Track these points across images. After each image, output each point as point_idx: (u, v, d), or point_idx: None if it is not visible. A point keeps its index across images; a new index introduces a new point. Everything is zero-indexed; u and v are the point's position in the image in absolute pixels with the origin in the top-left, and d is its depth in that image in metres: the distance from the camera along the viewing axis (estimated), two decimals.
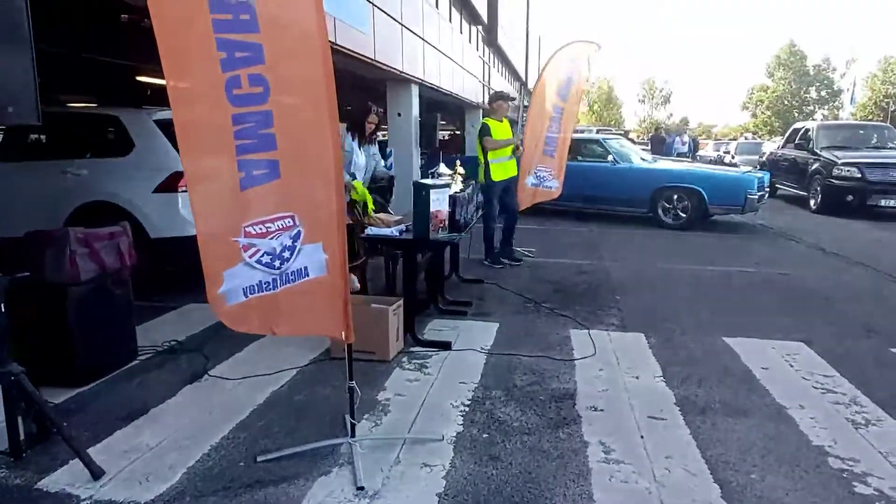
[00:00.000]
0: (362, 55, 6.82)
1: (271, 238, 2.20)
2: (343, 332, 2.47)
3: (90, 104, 5.26)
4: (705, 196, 8.68)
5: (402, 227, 3.82)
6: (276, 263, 2.22)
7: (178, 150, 4.33)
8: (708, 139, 41.86)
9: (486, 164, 6.09)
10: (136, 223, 4.80)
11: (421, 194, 3.61)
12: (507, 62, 27.01)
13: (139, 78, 8.87)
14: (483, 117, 8.25)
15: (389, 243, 3.81)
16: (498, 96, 6.49)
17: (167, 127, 4.96)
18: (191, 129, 2.05)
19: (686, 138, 18.07)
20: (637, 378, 3.45)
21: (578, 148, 10.07)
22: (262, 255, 2.18)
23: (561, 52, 7.12)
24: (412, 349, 3.83)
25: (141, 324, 4.18)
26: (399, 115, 9.25)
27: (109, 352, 3.40)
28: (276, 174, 2.17)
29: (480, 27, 18.05)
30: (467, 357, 3.72)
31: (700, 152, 22.12)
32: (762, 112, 54.96)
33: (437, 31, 11.20)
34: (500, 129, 6.22)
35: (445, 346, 3.85)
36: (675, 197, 8.93)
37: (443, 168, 4.06)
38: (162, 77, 1.96)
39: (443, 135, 25.36)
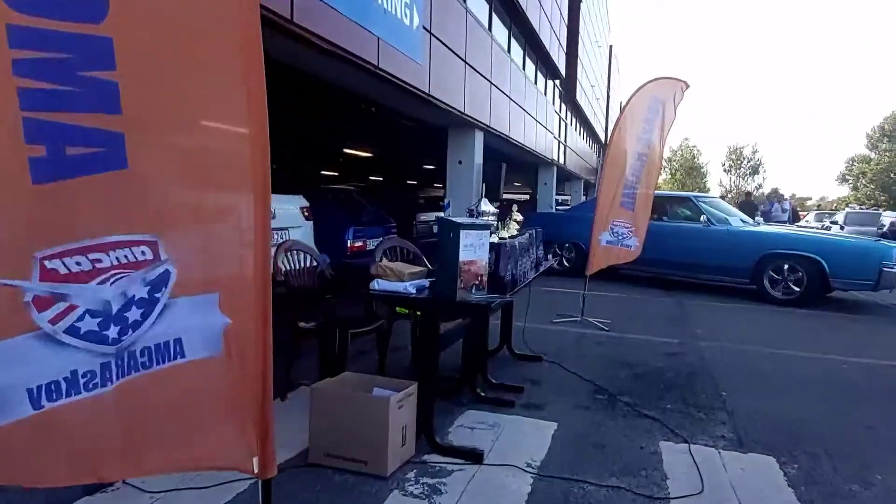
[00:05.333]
0: (413, 86, 6.04)
1: (101, 281, 1.18)
2: (255, 461, 1.39)
3: None
4: (826, 267, 7.07)
5: (423, 282, 2.76)
6: (113, 333, 1.19)
7: None
8: (803, 211, 38.67)
9: None
10: None
11: (448, 236, 2.55)
12: (586, 121, 26.13)
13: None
14: None
15: (402, 303, 2.76)
16: None
17: None
18: None
19: (787, 205, 16.25)
20: None
21: (664, 207, 8.80)
22: (81, 319, 1.15)
23: (644, 89, 6.05)
24: (426, 457, 2.67)
25: None
26: (460, 162, 8.40)
27: None
28: (118, 159, 1.18)
29: (558, 81, 17.33)
30: (504, 478, 2.52)
31: (801, 223, 19.98)
32: (864, 185, 50.85)
33: (507, 75, 10.46)
34: None
35: (475, 457, 2.67)
36: (787, 267, 7.37)
37: (485, 205, 3.00)
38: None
39: (511, 198, 24.59)
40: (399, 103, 6.95)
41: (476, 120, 8.36)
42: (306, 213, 5.22)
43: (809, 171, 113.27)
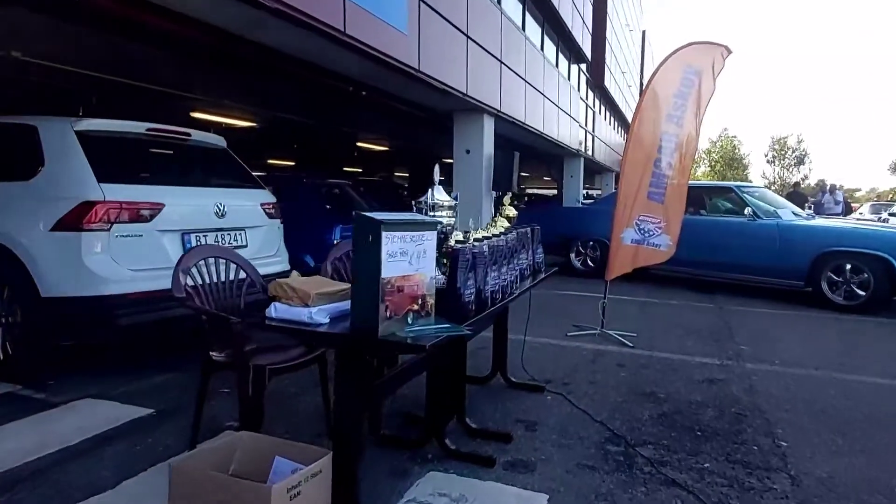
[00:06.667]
0: (397, 60, 5.14)
1: None
2: None
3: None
4: None
5: (339, 306, 1.90)
6: None
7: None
8: (854, 203, 36.39)
9: None
10: (26, 274, 3.34)
11: (364, 239, 1.70)
12: (617, 110, 24.76)
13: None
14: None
15: (306, 338, 1.92)
16: None
17: (94, 141, 3.54)
18: None
19: (840, 196, 14.84)
20: None
21: (703, 199, 7.78)
22: None
23: (675, 57, 5.07)
24: None
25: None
26: (468, 151, 7.50)
27: None
28: None
29: (584, 66, 16.17)
30: None
31: (854, 215, 18.39)
32: None
33: (521, 55, 9.45)
34: None
35: None
36: (850, 267, 6.27)
37: (439, 193, 2.12)
38: None
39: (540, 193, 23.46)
40: (384, 82, 6.06)
41: (483, 103, 7.43)
42: (270, 211, 4.43)
43: (858, 162, 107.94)
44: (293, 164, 17.93)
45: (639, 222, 4.98)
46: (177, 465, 1.78)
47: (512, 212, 3.13)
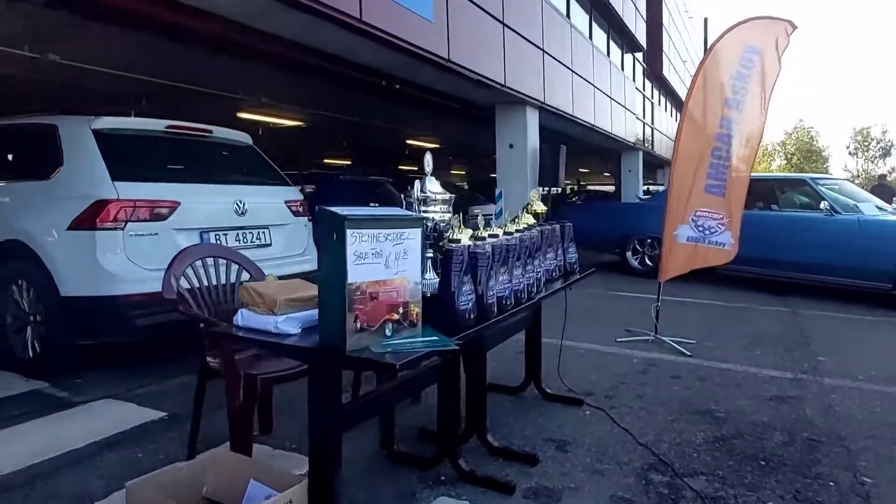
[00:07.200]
0: (422, 48, 4.81)
1: None
2: None
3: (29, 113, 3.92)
4: None
5: (311, 314, 1.64)
6: None
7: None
8: None
9: None
10: (47, 273, 3.31)
11: (328, 239, 1.43)
12: (678, 101, 23.53)
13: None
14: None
15: (276, 350, 1.67)
16: None
17: (111, 139, 3.47)
18: None
19: None
20: None
21: (773, 192, 7.12)
22: None
23: (730, 36, 4.57)
24: None
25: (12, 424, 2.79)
26: (511, 146, 7.13)
27: None
28: None
29: (640, 55, 15.34)
30: None
31: None
32: None
33: (566, 43, 8.92)
34: None
35: None
36: None
37: (432, 184, 1.82)
38: None
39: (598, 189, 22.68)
40: (413, 73, 5.75)
41: (524, 95, 7.02)
42: (296, 208, 4.27)
43: None
44: (349, 162, 18.12)
45: (695, 218, 4.51)
46: (132, 487, 1.57)
47: (540, 207, 2.83)
